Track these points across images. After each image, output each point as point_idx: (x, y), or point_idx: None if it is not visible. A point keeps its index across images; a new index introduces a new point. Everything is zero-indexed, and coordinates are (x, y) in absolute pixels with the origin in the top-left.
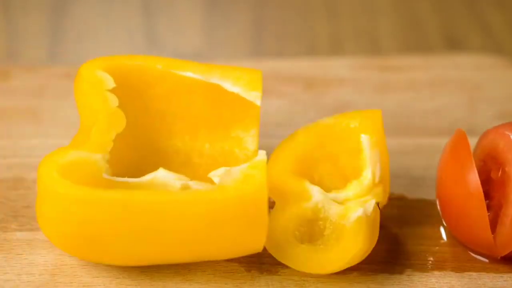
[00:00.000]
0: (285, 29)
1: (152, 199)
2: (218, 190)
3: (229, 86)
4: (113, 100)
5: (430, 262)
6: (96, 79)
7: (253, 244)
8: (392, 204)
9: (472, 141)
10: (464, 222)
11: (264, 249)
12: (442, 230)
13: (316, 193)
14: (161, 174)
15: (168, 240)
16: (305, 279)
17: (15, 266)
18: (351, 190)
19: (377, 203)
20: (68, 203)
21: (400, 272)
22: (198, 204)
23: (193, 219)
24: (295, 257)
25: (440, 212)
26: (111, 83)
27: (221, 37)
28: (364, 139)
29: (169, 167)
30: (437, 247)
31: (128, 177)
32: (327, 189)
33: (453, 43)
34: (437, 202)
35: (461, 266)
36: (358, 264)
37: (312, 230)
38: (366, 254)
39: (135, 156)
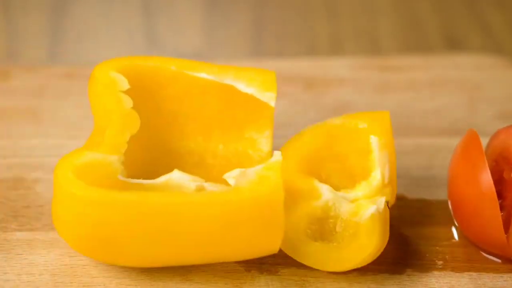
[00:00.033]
0: (285, 29)
1: (167, 200)
2: (234, 192)
3: (243, 87)
4: (127, 101)
5: (429, 262)
6: (110, 80)
7: (269, 245)
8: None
9: None
10: (477, 222)
11: None
12: (442, 230)
13: (325, 191)
14: (176, 176)
15: (184, 241)
16: (305, 279)
17: (15, 266)
18: (361, 190)
19: (387, 202)
20: (84, 205)
21: (400, 272)
22: (214, 206)
23: (209, 220)
24: (309, 255)
25: (452, 212)
26: (125, 85)
27: (221, 37)
28: (373, 140)
29: (182, 168)
30: (437, 247)
31: (142, 178)
32: (334, 188)
33: (453, 43)
34: (449, 203)
35: (461, 266)
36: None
37: (322, 228)
38: (380, 252)
39: (148, 157)
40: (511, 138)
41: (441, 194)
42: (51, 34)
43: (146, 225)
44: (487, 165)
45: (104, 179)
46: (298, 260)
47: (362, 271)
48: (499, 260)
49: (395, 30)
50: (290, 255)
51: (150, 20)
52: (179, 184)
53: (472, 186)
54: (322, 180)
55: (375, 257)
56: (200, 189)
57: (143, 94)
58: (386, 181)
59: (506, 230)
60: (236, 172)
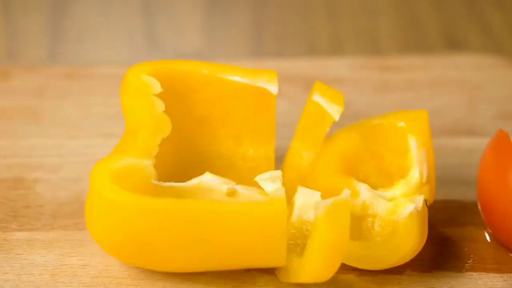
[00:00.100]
0: (285, 29)
1: (202, 208)
2: (269, 203)
3: (275, 89)
4: (160, 105)
5: (429, 262)
6: (143, 83)
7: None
8: None
9: (472, 141)
10: (509, 223)
11: None
12: (442, 230)
13: (363, 191)
14: (207, 178)
15: (217, 249)
16: None
17: (15, 266)
18: (399, 188)
19: (425, 201)
20: (119, 210)
21: (400, 272)
22: (248, 216)
23: (243, 230)
24: (348, 253)
25: (482, 214)
26: (157, 88)
27: (221, 37)
28: (412, 139)
29: (212, 171)
30: (437, 247)
31: (173, 181)
32: (372, 187)
33: (453, 43)
34: (478, 204)
35: (461, 266)
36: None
37: (360, 227)
38: (418, 251)
39: (179, 160)
40: None
41: (440, 194)
42: (51, 34)
43: (181, 232)
44: None
45: (138, 183)
46: None
47: (362, 271)
48: None
49: (395, 30)
50: None
51: (150, 20)
52: (210, 187)
53: (503, 187)
54: (359, 179)
55: (413, 256)
56: (231, 191)
57: (174, 97)
58: (425, 179)
59: None
60: (267, 174)
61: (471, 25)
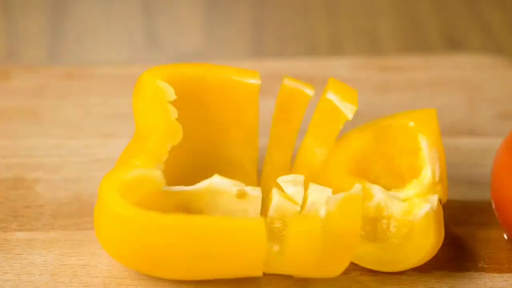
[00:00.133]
0: (285, 29)
1: (210, 224)
2: (248, 221)
3: (310, 92)
4: (173, 112)
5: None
6: (157, 89)
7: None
8: None
9: (472, 141)
10: None
11: None
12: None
13: (377, 192)
14: (216, 181)
15: (221, 261)
16: (305, 279)
17: (15, 266)
18: (411, 189)
19: (439, 200)
20: (126, 224)
21: (400, 272)
22: (257, 232)
23: (250, 246)
24: (365, 256)
25: (496, 213)
26: (172, 95)
27: (221, 37)
28: (422, 138)
29: (223, 175)
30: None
31: (181, 183)
32: (384, 188)
33: (453, 43)
34: (492, 203)
35: (461, 265)
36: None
37: (376, 229)
38: (436, 251)
39: (187, 163)
40: None
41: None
42: (51, 34)
43: (185, 245)
44: None
45: (147, 193)
46: (354, 261)
47: (362, 271)
48: None
49: (395, 30)
50: None
51: (150, 20)
52: (219, 189)
53: None
54: (371, 181)
55: (431, 256)
56: (241, 193)
57: (188, 101)
58: (437, 179)
59: None
60: (290, 177)
61: (471, 25)
